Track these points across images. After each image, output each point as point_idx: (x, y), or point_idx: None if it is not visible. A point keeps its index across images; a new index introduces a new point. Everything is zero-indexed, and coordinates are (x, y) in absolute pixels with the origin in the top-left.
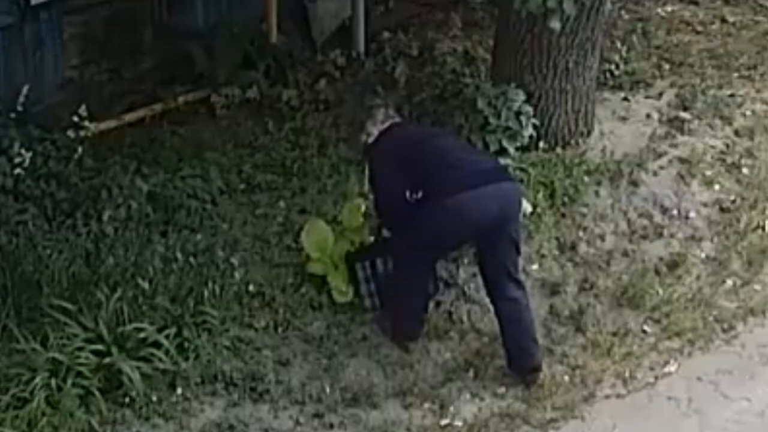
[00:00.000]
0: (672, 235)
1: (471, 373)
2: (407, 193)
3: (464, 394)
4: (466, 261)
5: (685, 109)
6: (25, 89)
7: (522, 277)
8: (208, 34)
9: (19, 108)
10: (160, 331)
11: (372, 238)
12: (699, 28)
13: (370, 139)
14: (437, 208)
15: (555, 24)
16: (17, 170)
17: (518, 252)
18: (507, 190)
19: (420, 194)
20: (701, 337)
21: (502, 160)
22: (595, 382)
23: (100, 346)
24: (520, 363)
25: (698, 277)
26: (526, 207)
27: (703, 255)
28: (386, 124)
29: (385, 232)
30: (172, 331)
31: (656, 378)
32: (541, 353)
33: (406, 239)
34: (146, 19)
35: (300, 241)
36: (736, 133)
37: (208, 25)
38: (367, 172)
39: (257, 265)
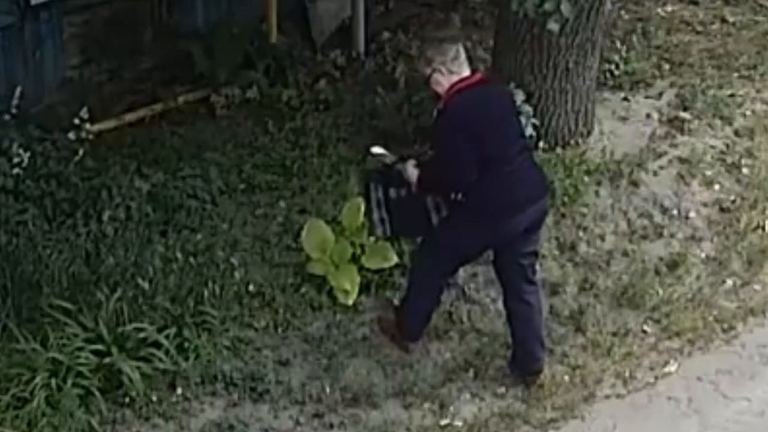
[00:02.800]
0: (672, 235)
1: (471, 373)
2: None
3: (464, 394)
4: None
5: (685, 109)
6: (17, 91)
7: (537, 278)
8: (208, 34)
9: (14, 110)
10: (160, 331)
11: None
12: (699, 28)
13: (440, 87)
14: (486, 225)
15: (553, 26)
16: (17, 170)
17: (536, 256)
18: (544, 205)
19: (460, 195)
20: (701, 337)
21: None
22: (595, 382)
23: (100, 346)
24: (522, 364)
25: (698, 277)
26: None
27: (703, 255)
28: (460, 71)
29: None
30: (172, 331)
31: (656, 378)
32: (545, 357)
33: (439, 242)
34: (146, 19)
35: (300, 241)
36: (736, 133)
37: (208, 25)
38: (433, 129)
39: (257, 265)
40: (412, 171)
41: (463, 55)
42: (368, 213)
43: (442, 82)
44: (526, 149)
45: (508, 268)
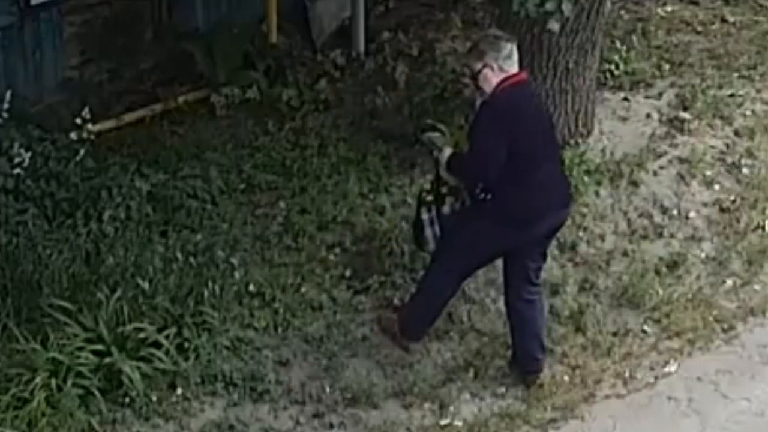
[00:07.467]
0: (672, 235)
1: (471, 373)
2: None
3: (464, 394)
4: None
5: (685, 109)
6: (8, 94)
7: (541, 281)
8: (208, 34)
9: (5, 114)
10: (160, 331)
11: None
12: (699, 28)
13: (487, 84)
14: (506, 233)
15: (554, 26)
16: (17, 170)
17: (544, 259)
18: (565, 215)
19: (489, 195)
20: (701, 337)
21: None
22: (595, 382)
23: (100, 346)
24: (522, 365)
25: (698, 277)
26: None
27: (703, 255)
28: (510, 70)
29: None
30: (172, 331)
31: (656, 378)
32: (544, 358)
33: (456, 243)
34: (146, 19)
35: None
36: (736, 133)
37: (208, 25)
38: (471, 119)
39: (257, 265)
40: (446, 153)
41: (516, 54)
42: (419, 230)
43: (491, 79)
44: (556, 155)
45: (516, 270)
